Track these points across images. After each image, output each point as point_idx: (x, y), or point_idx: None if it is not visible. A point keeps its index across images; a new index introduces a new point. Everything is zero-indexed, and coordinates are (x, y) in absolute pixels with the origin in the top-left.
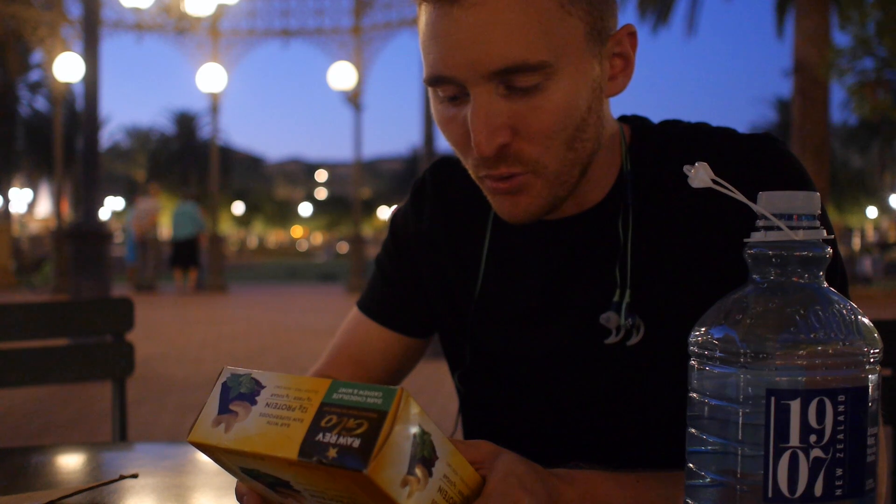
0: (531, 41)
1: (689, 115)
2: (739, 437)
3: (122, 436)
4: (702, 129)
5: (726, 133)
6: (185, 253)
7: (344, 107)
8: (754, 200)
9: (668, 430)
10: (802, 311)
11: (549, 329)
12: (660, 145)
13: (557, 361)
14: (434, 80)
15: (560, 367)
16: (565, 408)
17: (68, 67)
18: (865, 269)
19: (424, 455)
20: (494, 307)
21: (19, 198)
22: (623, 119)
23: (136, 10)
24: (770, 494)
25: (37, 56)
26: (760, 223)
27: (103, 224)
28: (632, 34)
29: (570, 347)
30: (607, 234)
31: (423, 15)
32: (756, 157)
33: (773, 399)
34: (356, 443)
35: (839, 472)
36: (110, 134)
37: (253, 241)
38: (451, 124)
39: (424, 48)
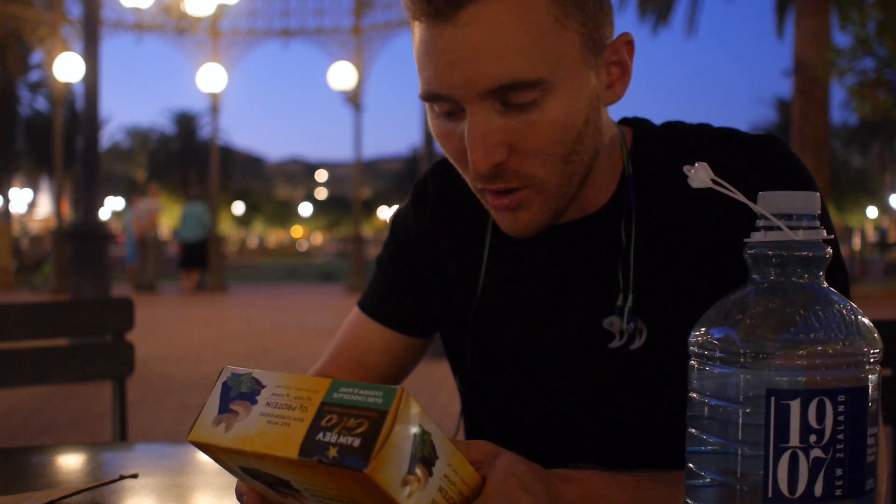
0: (526, 58)
1: (690, 116)
2: (739, 437)
3: (122, 436)
4: (704, 130)
5: (728, 134)
6: (193, 254)
7: (344, 107)
8: (756, 202)
9: (669, 433)
10: (802, 311)
11: (552, 332)
12: (662, 148)
13: (560, 365)
14: (429, 98)
15: (563, 371)
16: (567, 410)
17: (68, 67)
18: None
19: (425, 455)
20: (496, 309)
21: (19, 198)
22: (624, 122)
23: (136, 10)
24: (770, 494)
25: (37, 56)
26: (760, 223)
27: (103, 224)
28: (629, 43)
29: (574, 351)
30: (610, 238)
31: (417, 32)
32: (758, 159)
33: (773, 399)
34: (356, 442)
35: (839, 472)
36: (110, 134)
37: (253, 241)
38: (448, 139)
39: (419, 65)
